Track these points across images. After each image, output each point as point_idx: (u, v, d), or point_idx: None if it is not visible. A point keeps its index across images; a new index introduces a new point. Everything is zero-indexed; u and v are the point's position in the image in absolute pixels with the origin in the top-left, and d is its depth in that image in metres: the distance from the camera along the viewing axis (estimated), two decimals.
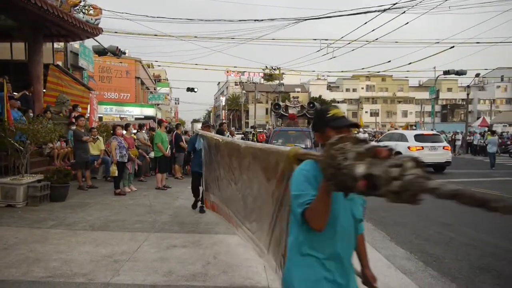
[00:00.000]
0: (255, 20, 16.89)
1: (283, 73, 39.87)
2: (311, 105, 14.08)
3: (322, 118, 1.90)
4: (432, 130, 22.09)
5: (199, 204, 7.59)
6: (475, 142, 26.05)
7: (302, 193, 1.72)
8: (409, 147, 15.67)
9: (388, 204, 6.00)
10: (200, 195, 7.15)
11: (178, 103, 64.98)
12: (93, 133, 10.30)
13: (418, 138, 15.99)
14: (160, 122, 11.10)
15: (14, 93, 11.43)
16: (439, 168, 16.09)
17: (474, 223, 7.63)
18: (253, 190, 3.43)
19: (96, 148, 10.42)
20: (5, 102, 8.50)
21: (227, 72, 55.06)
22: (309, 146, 11.62)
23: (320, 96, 70.91)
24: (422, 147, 15.49)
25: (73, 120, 11.60)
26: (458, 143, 26.17)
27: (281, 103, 15.21)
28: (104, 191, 9.53)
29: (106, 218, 6.84)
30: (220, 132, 11.91)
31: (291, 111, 14.19)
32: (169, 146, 10.72)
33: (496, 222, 7.89)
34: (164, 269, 4.49)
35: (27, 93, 12.12)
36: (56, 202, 7.91)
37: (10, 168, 8.40)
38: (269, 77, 59.54)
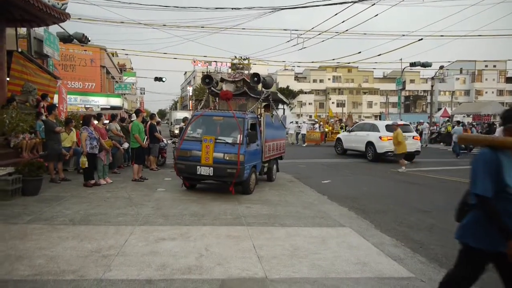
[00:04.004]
0: (232, 8, 16.62)
1: (253, 63, 39.67)
2: (255, 78, 9.27)
3: None
4: (400, 120, 22.69)
5: None
6: (424, 133, 27.36)
7: None
8: (380, 137, 16.05)
9: (367, 193, 6.19)
10: None
11: (144, 93, 63.50)
12: (72, 125, 9.93)
13: (389, 128, 16.37)
14: (138, 112, 10.76)
15: None
16: (409, 157, 16.57)
17: (452, 210, 7.91)
18: None
19: (69, 140, 9.99)
20: None
21: (194, 61, 54.19)
22: (238, 142, 8.12)
23: (287, 87, 71.31)
24: None
25: (42, 110, 11.06)
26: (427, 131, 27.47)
27: (217, 76, 10.46)
28: (78, 183, 9.15)
29: (85, 212, 6.56)
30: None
31: (227, 87, 9.61)
32: (146, 137, 10.44)
33: None
34: (157, 263, 4.36)
35: None
36: (29, 196, 7.51)
37: None
38: (236, 67, 59.07)
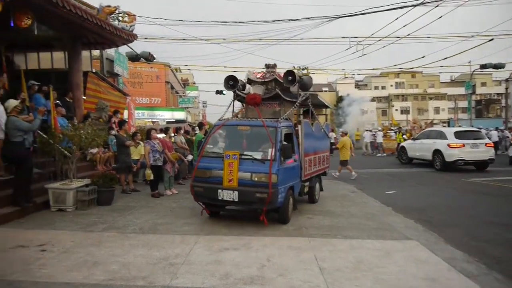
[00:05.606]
0: (289, 20, 16.70)
1: (311, 73, 39.48)
2: (289, 77, 7.43)
3: None
4: (471, 126, 21.35)
5: None
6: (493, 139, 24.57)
7: None
8: (449, 145, 15.19)
9: (435, 204, 5.88)
10: None
11: (206, 106, 65.58)
12: (137, 138, 10.52)
13: (459, 135, 15.47)
14: (200, 125, 11.15)
15: (57, 101, 11.78)
16: (481, 165, 15.50)
17: None
18: None
19: (137, 153, 10.61)
20: (52, 109, 8.77)
21: (253, 73, 55.01)
22: (269, 157, 6.46)
23: (348, 95, 70.03)
24: (463, 144, 14.97)
25: (113, 125, 11.86)
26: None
27: (244, 78, 8.27)
28: (146, 194, 9.65)
29: (153, 221, 6.92)
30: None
31: (255, 90, 7.87)
32: None
33: None
34: (221, 272, 4.48)
35: (68, 100, 12.48)
36: (103, 206, 8.08)
37: (58, 174, 8.64)
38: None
